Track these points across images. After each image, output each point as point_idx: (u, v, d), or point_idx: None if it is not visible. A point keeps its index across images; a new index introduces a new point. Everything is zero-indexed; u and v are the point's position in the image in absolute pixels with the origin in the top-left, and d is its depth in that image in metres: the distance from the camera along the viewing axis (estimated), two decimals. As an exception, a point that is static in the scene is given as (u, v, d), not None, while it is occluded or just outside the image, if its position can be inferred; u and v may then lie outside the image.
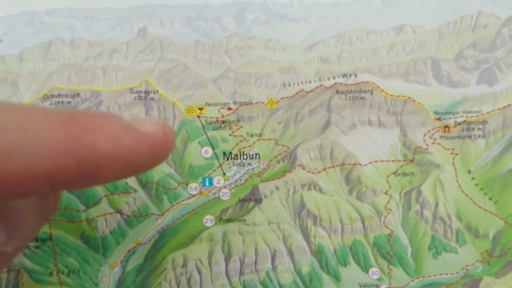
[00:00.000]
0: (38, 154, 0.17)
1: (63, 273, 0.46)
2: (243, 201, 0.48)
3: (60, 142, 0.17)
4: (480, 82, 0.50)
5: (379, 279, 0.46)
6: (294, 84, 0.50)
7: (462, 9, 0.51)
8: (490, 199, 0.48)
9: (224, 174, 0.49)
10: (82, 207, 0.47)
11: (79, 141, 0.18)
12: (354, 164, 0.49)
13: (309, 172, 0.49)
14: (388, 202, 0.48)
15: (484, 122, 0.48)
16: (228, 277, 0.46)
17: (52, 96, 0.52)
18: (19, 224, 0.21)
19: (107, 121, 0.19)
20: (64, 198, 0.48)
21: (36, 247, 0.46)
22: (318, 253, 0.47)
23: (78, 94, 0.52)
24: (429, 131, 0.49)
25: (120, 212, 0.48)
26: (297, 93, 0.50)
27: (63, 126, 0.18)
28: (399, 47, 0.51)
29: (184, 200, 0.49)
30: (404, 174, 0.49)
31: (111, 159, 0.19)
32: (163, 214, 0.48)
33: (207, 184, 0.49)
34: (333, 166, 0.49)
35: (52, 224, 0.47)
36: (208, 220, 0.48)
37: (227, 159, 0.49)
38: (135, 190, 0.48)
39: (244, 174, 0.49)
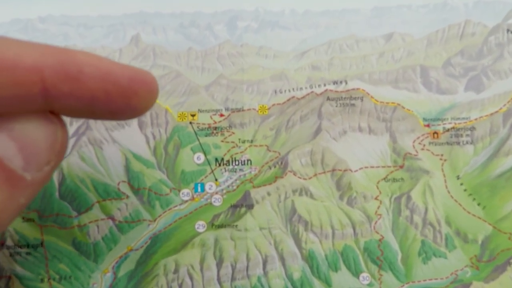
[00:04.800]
0: (26, 49, 0.21)
1: (54, 279, 0.46)
2: (234, 206, 0.49)
3: (45, 47, 0.22)
4: (468, 89, 0.51)
5: (370, 284, 0.47)
6: (285, 91, 0.51)
7: (450, 18, 0.52)
8: (478, 204, 0.48)
9: (216, 180, 0.49)
10: (74, 213, 0.48)
11: (61, 50, 0.23)
12: (345, 170, 0.49)
13: (300, 178, 0.49)
14: (378, 207, 0.48)
15: (472, 128, 0.49)
16: (219, 283, 0.47)
17: (45, 102, 0.52)
18: (31, 148, 0.23)
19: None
20: (56, 204, 0.48)
21: (28, 253, 0.46)
22: (309, 258, 0.47)
23: (71, 101, 0.52)
24: (418, 138, 0.50)
25: (112, 218, 0.48)
26: (288, 100, 0.51)
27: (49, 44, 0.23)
28: (389, 54, 0.52)
29: (176, 206, 0.49)
30: (394, 180, 0.49)
31: (91, 68, 0.23)
32: (155, 220, 0.48)
33: (199, 190, 0.49)
34: (324, 172, 0.49)
35: (43, 230, 0.47)
36: (200, 225, 0.48)
37: (219, 165, 0.50)
38: (127, 196, 0.49)
39: (236, 180, 0.49)
